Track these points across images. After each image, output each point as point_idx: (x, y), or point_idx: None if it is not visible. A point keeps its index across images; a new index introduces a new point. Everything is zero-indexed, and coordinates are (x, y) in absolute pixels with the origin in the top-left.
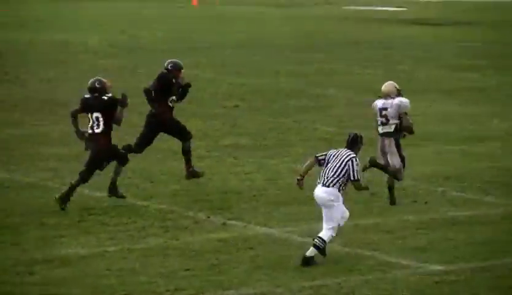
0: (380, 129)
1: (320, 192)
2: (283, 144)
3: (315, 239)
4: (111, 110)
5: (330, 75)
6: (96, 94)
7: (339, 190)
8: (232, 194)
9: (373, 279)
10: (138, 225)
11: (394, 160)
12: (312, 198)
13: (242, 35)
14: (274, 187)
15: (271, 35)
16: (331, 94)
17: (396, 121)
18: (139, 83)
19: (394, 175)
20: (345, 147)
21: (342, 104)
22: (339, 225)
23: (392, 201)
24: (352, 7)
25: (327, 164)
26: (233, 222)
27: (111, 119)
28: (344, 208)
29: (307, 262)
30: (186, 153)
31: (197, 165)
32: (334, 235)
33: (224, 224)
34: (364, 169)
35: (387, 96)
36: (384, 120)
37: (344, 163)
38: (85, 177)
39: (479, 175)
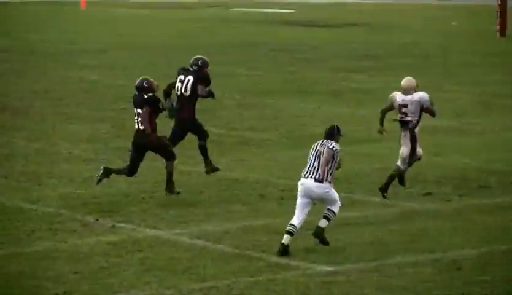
0: (399, 117)
1: (313, 187)
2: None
3: (326, 212)
4: (153, 107)
5: (217, 77)
6: (143, 93)
7: (330, 182)
8: (121, 197)
9: (263, 280)
10: (27, 228)
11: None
12: (200, 200)
13: (130, 37)
14: (163, 189)
15: (158, 38)
16: (219, 96)
17: (416, 117)
18: (24, 86)
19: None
20: (325, 139)
21: (230, 106)
22: (333, 213)
23: (403, 183)
24: (240, 9)
25: (314, 157)
26: (122, 224)
27: (155, 116)
28: (336, 194)
29: (319, 233)
30: (203, 149)
31: (85, 168)
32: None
33: (113, 226)
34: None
35: (406, 91)
36: (403, 116)
37: (333, 156)
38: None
39: (367, 176)
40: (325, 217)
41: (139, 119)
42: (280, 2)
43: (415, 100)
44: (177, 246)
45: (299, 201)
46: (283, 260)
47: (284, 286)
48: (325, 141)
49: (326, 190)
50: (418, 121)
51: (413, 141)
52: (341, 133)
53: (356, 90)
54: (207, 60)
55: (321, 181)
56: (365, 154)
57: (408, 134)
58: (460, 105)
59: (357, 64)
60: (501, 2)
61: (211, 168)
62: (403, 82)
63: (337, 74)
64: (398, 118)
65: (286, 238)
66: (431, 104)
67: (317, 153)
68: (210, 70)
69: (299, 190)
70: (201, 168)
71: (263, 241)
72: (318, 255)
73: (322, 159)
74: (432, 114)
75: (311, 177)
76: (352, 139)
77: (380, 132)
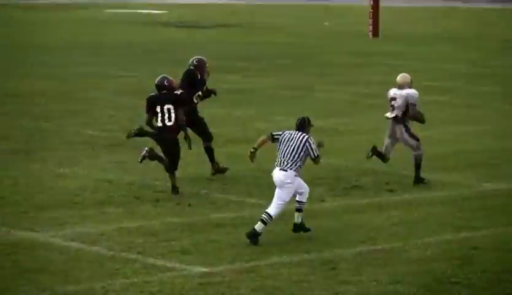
0: (389, 115)
1: (279, 174)
2: (45, 148)
3: (263, 215)
4: (180, 104)
5: (93, 77)
6: (165, 92)
7: (295, 171)
8: None
9: (139, 282)
10: None
11: (410, 142)
12: (75, 202)
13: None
14: (38, 191)
15: (27, 38)
16: (94, 97)
17: (402, 110)
18: None
19: (417, 156)
20: (296, 130)
21: (104, 107)
22: (303, 203)
23: (419, 180)
24: (113, 10)
25: (283, 146)
26: None
27: (179, 113)
28: (302, 182)
29: (253, 235)
30: (209, 151)
31: None
32: (279, 212)
33: None
34: (368, 156)
35: (400, 86)
36: (391, 109)
37: (301, 146)
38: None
39: (243, 177)
40: (298, 210)
41: (166, 116)
42: (153, 4)
43: (403, 95)
44: (52, 249)
45: (276, 191)
46: (160, 262)
47: (160, 288)
48: (295, 132)
49: (288, 180)
50: (404, 114)
51: (408, 130)
52: (311, 123)
53: (231, 91)
54: (205, 60)
55: (286, 170)
56: (241, 155)
57: (403, 129)
58: (332, 105)
59: (231, 64)
60: (373, 3)
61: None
62: (398, 78)
63: (210, 75)
64: (390, 109)
65: (258, 225)
66: (417, 104)
67: (286, 144)
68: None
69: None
70: (77, 169)
71: (138, 243)
72: (194, 257)
73: (290, 149)
74: (415, 117)
75: (279, 166)
76: (228, 139)
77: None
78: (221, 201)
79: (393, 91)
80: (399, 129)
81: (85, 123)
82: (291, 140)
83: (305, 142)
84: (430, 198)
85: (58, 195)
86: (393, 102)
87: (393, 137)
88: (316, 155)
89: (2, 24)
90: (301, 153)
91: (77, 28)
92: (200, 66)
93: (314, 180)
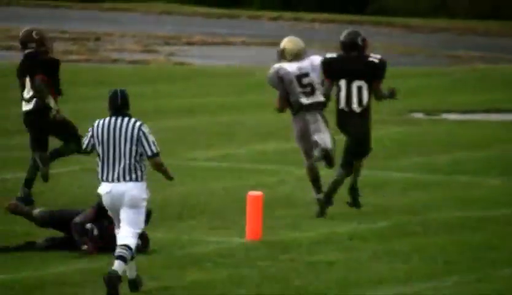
0: (306, 100)
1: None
2: None
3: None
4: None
5: None
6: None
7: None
8: None
9: None
10: None
11: (326, 139)
12: None
13: None
14: None
15: None
16: None
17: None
18: None
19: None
20: (113, 114)
21: None
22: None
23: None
24: None
25: (105, 151)
26: None
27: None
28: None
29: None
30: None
31: None
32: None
33: None
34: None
35: (297, 56)
36: (309, 89)
37: (134, 139)
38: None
39: None
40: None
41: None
42: None
43: (317, 64)
44: None
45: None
46: None
47: None
48: (115, 119)
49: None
50: None
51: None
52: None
53: None
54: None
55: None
56: None
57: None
58: None
59: None
60: None
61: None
62: (290, 45)
63: None
64: (301, 94)
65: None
66: None
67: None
68: None
69: None
70: None
71: None
72: None
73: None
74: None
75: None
76: None
77: None
78: None
79: (294, 67)
80: (320, 116)
81: None
82: (116, 135)
83: (138, 131)
84: None
85: None
86: (307, 81)
87: (309, 131)
88: (156, 151)
89: None
90: (137, 150)
91: None
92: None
93: None
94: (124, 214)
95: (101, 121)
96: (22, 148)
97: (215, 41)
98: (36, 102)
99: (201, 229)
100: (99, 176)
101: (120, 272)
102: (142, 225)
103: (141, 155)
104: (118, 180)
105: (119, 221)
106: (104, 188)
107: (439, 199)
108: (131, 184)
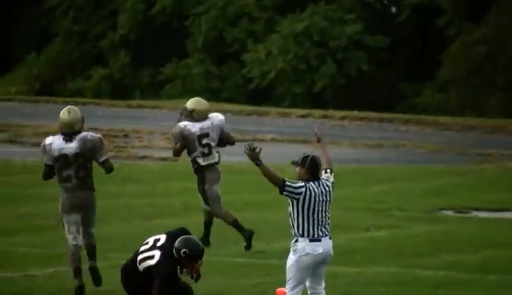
0: (203, 161)
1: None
2: None
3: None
4: None
5: None
6: None
7: None
8: None
9: None
10: None
11: (217, 207)
12: None
13: None
14: None
15: None
16: None
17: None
18: None
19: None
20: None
21: None
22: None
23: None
24: None
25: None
26: None
27: None
28: None
29: None
30: None
31: None
32: None
33: None
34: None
35: (203, 117)
36: (206, 150)
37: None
38: None
39: None
40: None
41: None
42: None
43: (216, 125)
44: None
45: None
46: None
47: None
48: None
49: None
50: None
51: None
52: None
53: None
54: None
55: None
56: None
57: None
58: None
59: None
60: None
61: None
62: (197, 106)
63: None
64: (199, 154)
65: None
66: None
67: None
68: None
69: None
70: None
71: None
72: None
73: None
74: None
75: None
76: None
77: None
78: None
79: (196, 127)
80: (213, 174)
81: None
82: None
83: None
84: None
85: None
86: (206, 141)
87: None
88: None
89: None
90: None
91: None
92: None
93: None
94: None
95: None
96: None
97: (244, 138)
98: None
99: None
100: None
101: None
102: None
103: None
104: None
105: None
106: None
107: None
108: None
